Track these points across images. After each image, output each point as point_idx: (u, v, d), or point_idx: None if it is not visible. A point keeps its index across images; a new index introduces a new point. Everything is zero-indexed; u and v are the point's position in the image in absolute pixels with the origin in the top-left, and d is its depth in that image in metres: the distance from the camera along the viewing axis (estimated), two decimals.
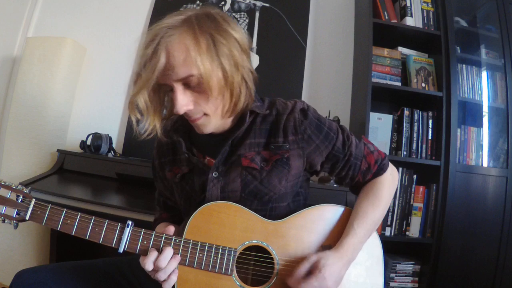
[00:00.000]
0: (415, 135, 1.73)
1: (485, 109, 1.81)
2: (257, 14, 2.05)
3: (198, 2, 2.07)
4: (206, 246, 0.71)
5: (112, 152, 1.78)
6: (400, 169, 1.70)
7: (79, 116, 1.98)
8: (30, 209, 0.70)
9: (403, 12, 1.82)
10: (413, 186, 1.71)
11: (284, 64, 1.98)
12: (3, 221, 0.70)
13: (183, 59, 0.64)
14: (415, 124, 1.74)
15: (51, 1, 2.12)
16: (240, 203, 0.75)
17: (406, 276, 1.66)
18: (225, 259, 0.71)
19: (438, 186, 1.66)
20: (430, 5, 1.84)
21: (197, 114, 0.71)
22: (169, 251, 0.68)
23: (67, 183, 1.53)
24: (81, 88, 1.99)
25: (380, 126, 1.75)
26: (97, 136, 1.71)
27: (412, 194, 1.70)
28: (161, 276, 0.67)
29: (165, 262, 0.67)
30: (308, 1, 2.07)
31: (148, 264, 0.67)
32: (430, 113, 1.75)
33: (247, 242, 0.74)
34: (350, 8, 2.07)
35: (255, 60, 1.99)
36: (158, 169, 0.89)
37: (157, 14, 2.05)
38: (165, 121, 0.80)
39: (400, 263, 1.66)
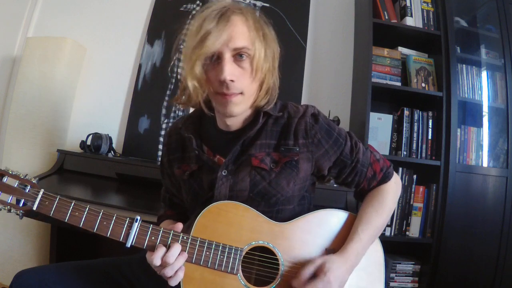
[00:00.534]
0: (415, 135, 1.73)
1: (485, 109, 1.81)
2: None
3: (198, 2, 2.07)
4: (213, 245, 0.72)
5: (112, 152, 1.78)
6: (400, 169, 1.70)
7: (79, 116, 1.98)
8: (38, 199, 0.69)
9: (403, 12, 1.82)
10: (413, 186, 1.71)
11: (284, 64, 1.98)
12: (9, 210, 0.69)
13: (243, 32, 0.71)
14: (415, 124, 1.74)
15: (51, 1, 2.12)
16: (247, 203, 0.76)
17: (406, 276, 1.66)
18: (231, 258, 0.72)
19: (438, 186, 1.66)
20: (430, 5, 1.84)
21: (236, 89, 0.72)
22: (177, 247, 0.69)
23: (67, 183, 1.53)
24: (81, 88, 1.99)
25: (380, 126, 1.75)
26: (97, 136, 1.71)
27: (412, 194, 1.71)
28: (168, 272, 0.68)
29: (172, 258, 0.67)
30: (308, 1, 2.07)
31: (156, 259, 0.67)
32: (430, 113, 1.75)
33: (253, 243, 0.74)
34: (350, 8, 2.07)
35: None
36: (166, 166, 0.90)
37: (157, 14, 2.05)
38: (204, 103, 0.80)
39: (400, 263, 1.66)
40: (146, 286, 0.86)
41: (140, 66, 2.01)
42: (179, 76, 1.98)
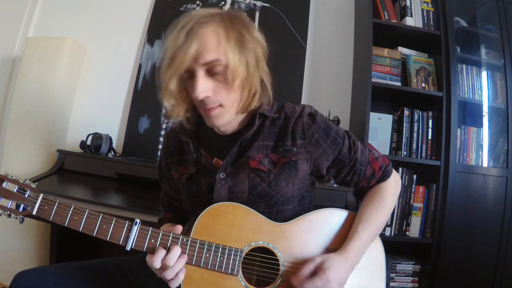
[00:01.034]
0: (415, 135, 1.73)
1: (485, 109, 1.81)
2: (257, 14, 2.05)
3: (198, 2, 2.07)
4: (213, 246, 0.72)
5: (112, 152, 1.78)
6: (400, 169, 1.70)
7: (79, 116, 1.98)
8: (38, 204, 0.69)
9: (403, 12, 1.81)
10: (413, 186, 1.71)
11: (284, 64, 1.98)
12: (9, 215, 0.69)
13: (214, 45, 0.68)
14: (415, 124, 1.74)
15: (51, 1, 2.12)
16: (247, 205, 0.76)
17: (406, 276, 1.66)
18: (232, 259, 0.72)
19: (438, 186, 1.66)
20: (430, 5, 1.84)
21: (213, 104, 0.72)
22: (177, 250, 0.69)
23: (67, 183, 1.53)
24: (81, 88, 1.99)
25: (380, 126, 1.75)
26: (97, 136, 1.71)
27: (412, 194, 1.71)
28: (169, 274, 0.68)
29: (173, 261, 0.68)
30: (308, 1, 2.07)
31: (156, 262, 0.67)
32: (430, 113, 1.75)
33: (253, 243, 0.74)
34: (350, 8, 2.06)
35: None
36: (164, 170, 0.90)
37: (157, 14, 2.05)
38: (189, 113, 0.81)
39: (400, 263, 1.66)
40: (146, 286, 0.86)
41: (140, 66, 2.01)
42: None
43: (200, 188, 0.80)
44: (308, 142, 0.79)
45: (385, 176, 0.86)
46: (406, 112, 1.75)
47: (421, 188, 1.71)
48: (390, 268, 1.65)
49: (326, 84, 2.01)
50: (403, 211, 1.69)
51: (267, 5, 2.05)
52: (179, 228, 0.72)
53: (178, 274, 0.69)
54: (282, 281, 0.74)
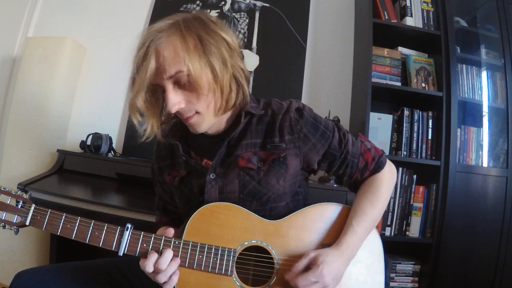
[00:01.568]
0: (415, 135, 1.73)
1: (485, 109, 1.81)
2: (257, 14, 2.05)
3: (198, 2, 2.07)
4: (206, 248, 0.71)
5: (112, 152, 1.78)
6: (400, 169, 1.70)
7: (79, 116, 1.98)
8: (30, 214, 0.70)
9: (403, 12, 1.82)
10: (413, 186, 1.71)
11: (284, 64, 1.98)
12: (4, 227, 0.70)
13: (172, 58, 0.66)
14: (415, 124, 1.74)
15: (51, 1, 2.12)
16: (239, 204, 0.76)
17: (406, 276, 1.66)
18: (225, 260, 0.71)
19: (438, 186, 1.66)
20: (430, 5, 1.84)
21: (189, 112, 0.72)
22: (169, 253, 0.69)
23: (67, 183, 1.53)
24: (81, 88, 1.99)
25: (380, 126, 1.75)
26: (97, 136, 1.71)
27: (412, 194, 1.71)
28: (162, 278, 0.68)
29: (165, 264, 0.67)
30: (308, 1, 2.07)
31: (148, 266, 0.67)
32: (430, 113, 1.75)
33: (246, 243, 0.74)
34: (350, 8, 2.07)
35: (255, 60, 1.99)
36: (157, 174, 0.90)
37: (157, 14, 2.05)
38: (164, 124, 0.81)
39: (400, 263, 1.66)
40: (146, 286, 0.86)
41: None
42: None
43: (191, 190, 0.80)
44: (297, 137, 0.78)
45: (378, 168, 0.84)
46: (406, 112, 1.74)
47: (421, 188, 1.71)
48: (390, 268, 1.65)
49: (326, 84, 2.01)
50: (403, 211, 1.69)
51: (267, 5, 2.05)
52: (171, 231, 0.72)
53: (171, 277, 0.68)
54: (277, 279, 0.73)
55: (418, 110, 1.75)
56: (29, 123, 1.74)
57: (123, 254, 0.70)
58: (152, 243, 0.70)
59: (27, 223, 0.70)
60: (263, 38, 2.02)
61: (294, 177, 0.80)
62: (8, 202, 0.70)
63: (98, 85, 2.03)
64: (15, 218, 0.70)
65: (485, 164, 1.76)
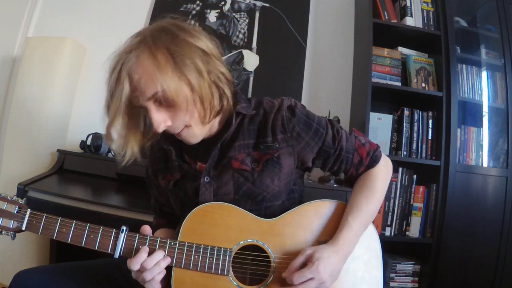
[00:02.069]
0: (415, 135, 1.73)
1: (485, 109, 1.81)
2: (257, 14, 2.05)
3: (198, 2, 2.07)
4: (202, 248, 0.71)
5: (112, 152, 1.78)
6: (400, 169, 1.70)
7: (79, 116, 1.98)
8: (26, 219, 0.70)
9: (403, 12, 1.82)
10: (413, 186, 1.71)
11: (284, 64, 1.98)
12: (0, 232, 0.71)
13: (145, 80, 0.64)
14: (415, 124, 1.74)
15: (51, 1, 2.12)
16: (234, 204, 0.75)
17: (406, 276, 1.66)
18: (221, 259, 0.71)
19: (438, 186, 1.66)
20: (430, 5, 1.84)
21: (178, 128, 0.71)
22: (159, 254, 0.69)
23: (67, 183, 1.53)
24: (81, 88, 1.99)
25: (380, 126, 1.75)
26: (97, 136, 1.71)
27: (412, 194, 1.70)
28: (147, 276, 0.68)
29: (152, 263, 0.68)
30: (308, 1, 2.07)
31: (134, 264, 0.67)
32: (430, 113, 1.75)
33: (242, 242, 0.74)
34: (350, 8, 2.06)
35: (255, 60, 1.99)
36: (152, 177, 0.89)
37: (157, 14, 2.05)
38: (150, 141, 0.80)
39: (400, 263, 1.66)
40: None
41: None
42: None
43: (186, 193, 0.80)
44: (289, 136, 0.77)
45: (374, 162, 0.83)
46: (406, 112, 1.74)
47: (421, 188, 1.71)
48: (390, 268, 1.65)
49: (326, 84, 2.01)
50: (403, 211, 1.69)
51: (267, 5, 2.05)
52: (146, 229, 0.72)
53: (155, 277, 0.68)
54: (274, 277, 0.73)
55: (418, 110, 1.75)
56: (29, 123, 1.74)
57: (119, 256, 0.70)
58: (148, 245, 0.70)
59: (23, 228, 0.70)
60: (263, 38, 2.02)
61: (289, 176, 0.80)
62: (4, 207, 0.71)
63: (98, 85, 1.99)
64: (12, 224, 0.70)
65: (485, 164, 1.76)
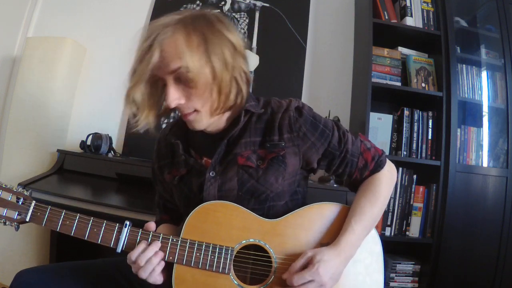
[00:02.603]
0: (415, 135, 1.73)
1: (485, 109, 1.81)
2: (257, 14, 2.05)
3: (198, 2, 2.07)
4: (203, 246, 0.72)
5: (112, 152, 1.78)
6: (400, 169, 1.70)
7: (79, 116, 1.98)
8: (30, 211, 0.71)
9: (403, 12, 1.82)
10: (413, 186, 1.71)
11: (284, 64, 1.98)
12: (5, 223, 0.71)
13: (174, 53, 0.67)
14: (415, 124, 1.74)
15: (51, 1, 2.12)
16: (237, 202, 0.76)
17: (406, 276, 1.66)
18: (222, 258, 0.72)
19: (438, 186, 1.66)
20: (430, 5, 1.84)
21: (188, 109, 0.73)
22: (150, 251, 0.69)
23: (67, 183, 1.53)
24: (81, 88, 1.99)
25: (380, 126, 1.75)
26: (97, 136, 1.71)
27: (412, 194, 1.70)
28: (142, 274, 0.69)
29: (144, 260, 0.69)
30: (308, 1, 2.07)
31: (134, 254, 0.69)
32: (430, 113, 1.75)
33: (244, 241, 0.74)
34: (350, 8, 2.07)
35: (255, 60, 1.99)
36: (157, 173, 0.90)
37: (157, 14, 2.04)
38: (162, 116, 0.81)
39: (400, 263, 1.66)
40: (146, 286, 0.86)
41: None
42: None
43: (191, 188, 0.80)
44: (296, 135, 0.78)
45: (378, 167, 0.84)
46: (406, 112, 1.75)
47: (421, 188, 1.71)
48: (390, 268, 1.65)
49: (326, 84, 2.01)
50: (403, 211, 1.69)
51: (267, 5, 2.05)
52: (151, 226, 0.73)
53: (151, 273, 0.69)
54: (275, 278, 0.73)
55: (418, 110, 1.75)
56: (29, 123, 1.74)
57: (121, 251, 0.71)
58: (150, 240, 0.71)
59: (27, 219, 0.71)
60: (263, 38, 2.02)
61: (293, 176, 0.80)
62: (9, 198, 0.71)
63: (98, 85, 2.02)
64: (16, 215, 0.71)
65: (485, 164, 1.76)
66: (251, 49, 2.01)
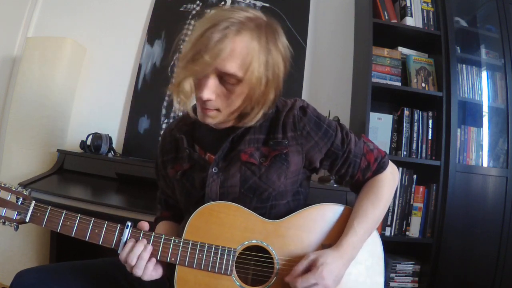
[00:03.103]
0: (415, 135, 1.73)
1: (485, 109, 1.81)
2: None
3: (198, 2, 2.07)
4: (206, 246, 0.72)
5: (112, 152, 1.78)
6: (400, 169, 1.70)
7: (79, 116, 1.98)
8: (30, 211, 0.70)
9: (403, 12, 1.81)
10: (413, 186, 1.71)
11: None
12: (4, 223, 0.70)
13: (240, 60, 0.67)
14: (415, 124, 1.74)
15: (51, 1, 2.12)
16: (239, 199, 0.76)
17: (406, 276, 1.66)
18: (225, 259, 0.71)
19: (438, 186, 1.66)
20: (430, 5, 1.84)
21: (212, 106, 0.72)
22: (138, 247, 0.69)
23: (67, 183, 1.53)
24: (81, 88, 1.99)
25: (380, 126, 1.75)
26: (97, 136, 1.71)
27: (412, 194, 1.70)
28: (137, 272, 0.69)
29: (134, 258, 0.69)
30: (308, 1, 2.07)
31: (123, 252, 0.69)
32: (430, 113, 1.75)
33: (246, 242, 0.74)
34: (350, 8, 2.06)
35: None
36: (161, 168, 0.90)
37: (157, 14, 2.05)
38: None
39: (400, 263, 1.66)
40: (146, 286, 0.86)
41: (140, 66, 2.01)
42: None
43: (193, 184, 0.81)
44: (299, 134, 0.79)
45: (381, 168, 0.84)
46: (406, 112, 1.74)
47: (421, 188, 1.71)
48: (390, 268, 1.65)
49: (326, 84, 2.01)
50: (403, 211, 1.69)
51: (267, 5, 2.05)
52: (144, 225, 0.73)
53: (145, 271, 0.70)
54: (277, 279, 0.73)
55: (418, 110, 1.75)
56: (29, 123, 1.74)
57: None
58: (152, 242, 0.71)
59: (27, 220, 0.70)
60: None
61: (296, 175, 0.81)
62: (8, 198, 0.70)
63: (98, 85, 2.03)
64: (15, 215, 0.70)
65: (485, 164, 1.76)
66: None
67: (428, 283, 1.62)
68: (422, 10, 1.82)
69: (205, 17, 0.70)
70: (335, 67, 2.03)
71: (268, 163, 0.77)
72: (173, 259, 0.71)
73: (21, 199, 0.71)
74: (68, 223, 0.70)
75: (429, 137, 1.73)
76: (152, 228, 0.76)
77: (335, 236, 0.77)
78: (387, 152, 1.74)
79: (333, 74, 2.02)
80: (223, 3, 2.07)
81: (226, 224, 0.74)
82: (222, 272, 0.71)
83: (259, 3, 2.05)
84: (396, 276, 1.65)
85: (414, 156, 1.72)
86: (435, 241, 1.63)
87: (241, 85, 0.69)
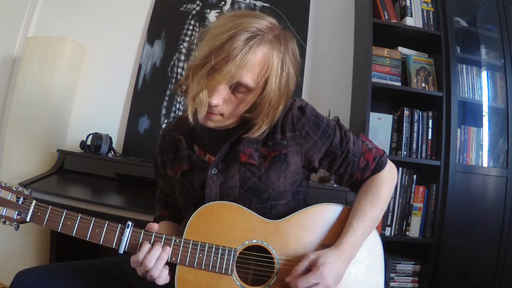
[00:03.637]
0: (415, 135, 1.73)
1: (485, 109, 1.81)
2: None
3: (198, 2, 2.07)
4: (206, 246, 0.72)
5: (112, 152, 1.78)
6: (400, 169, 1.70)
7: (79, 116, 1.98)
8: (31, 210, 0.70)
9: (403, 12, 1.82)
10: (413, 186, 1.71)
11: None
12: (4, 222, 0.70)
13: (258, 72, 0.68)
14: (415, 124, 1.74)
15: (51, 1, 2.12)
16: (239, 200, 0.76)
17: (406, 276, 1.66)
18: (225, 259, 0.71)
19: (438, 186, 1.66)
20: (430, 5, 1.84)
21: (217, 111, 0.72)
22: (157, 249, 0.69)
23: (67, 183, 1.53)
24: (81, 88, 1.99)
25: (380, 126, 1.75)
26: (97, 136, 1.71)
27: (412, 194, 1.70)
28: (154, 273, 0.68)
29: (153, 259, 0.68)
30: (308, 1, 2.07)
31: (139, 256, 0.68)
32: (430, 113, 1.75)
33: (247, 242, 0.74)
34: (350, 8, 2.07)
35: None
36: (160, 167, 0.90)
37: (157, 14, 2.05)
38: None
39: (400, 263, 1.66)
40: (146, 285, 0.86)
41: (140, 66, 2.01)
42: (179, 76, 1.98)
43: (193, 184, 0.81)
44: (298, 134, 0.79)
45: (379, 167, 0.84)
46: (406, 112, 1.75)
47: (421, 188, 1.71)
48: (390, 268, 1.65)
49: (326, 84, 2.01)
50: (403, 211, 1.69)
51: (267, 5, 2.05)
52: (154, 226, 0.73)
53: (161, 274, 0.69)
54: (277, 279, 0.73)
55: (418, 110, 1.75)
56: (29, 123, 1.73)
57: (123, 252, 0.70)
58: (153, 241, 0.71)
59: (28, 219, 0.70)
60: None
61: (295, 175, 0.81)
62: (9, 198, 0.70)
63: (98, 85, 2.02)
64: (15, 214, 0.70)
65: (485, 164, 1.76)
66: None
67: (428, 283, 1.62)
68: (422, 10, 1.82)
69: (221, 24, 0.68)
70: (335, 67, 2.03)
71: (267, 163, 0.77)
72: (173, 258, 0.71)
73: (21, 199, 0.70)
74: (69, 222, 0.70)
75: (429, 137, 1.73)
76: None
77: (335, 236, 0.77)
78: (387, 152, 1.74)
79: (333, 74, 2.02)
80: (223, 3, 2.07)
81: (227, 224, 0.74)
82: (223, 272, 0.71)
83: (259, 3, 2.05)
84: (396, 276, 1.65)
85: (414, 156, 1.72)
86: (435, 241, 1.63)
87: (251, 95, 0.70)
